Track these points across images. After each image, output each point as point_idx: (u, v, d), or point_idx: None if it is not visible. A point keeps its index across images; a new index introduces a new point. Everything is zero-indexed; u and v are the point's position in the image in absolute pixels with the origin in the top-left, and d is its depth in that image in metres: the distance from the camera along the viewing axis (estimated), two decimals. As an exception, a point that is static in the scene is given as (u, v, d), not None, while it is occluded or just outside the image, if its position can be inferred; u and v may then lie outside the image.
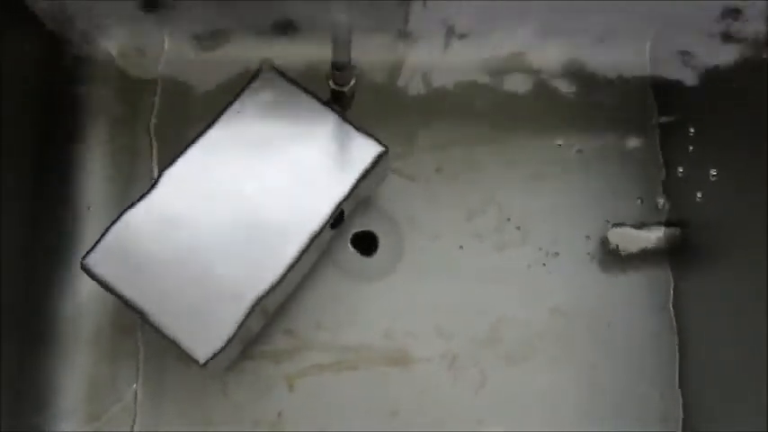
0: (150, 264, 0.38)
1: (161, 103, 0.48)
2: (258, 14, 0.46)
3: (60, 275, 0.45)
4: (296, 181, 0.40)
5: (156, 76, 0.48)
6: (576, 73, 0.49)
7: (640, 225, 0.47)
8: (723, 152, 0.43)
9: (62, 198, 0.46)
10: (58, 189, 0.46)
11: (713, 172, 0.43)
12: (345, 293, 0.45)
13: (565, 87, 0.49)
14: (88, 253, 0.38)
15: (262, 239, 0.38)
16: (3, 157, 0.40)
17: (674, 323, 0.46)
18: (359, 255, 0.46)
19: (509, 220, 0.47)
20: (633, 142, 0.49)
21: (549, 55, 0.49)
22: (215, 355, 0.37)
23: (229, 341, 0.37)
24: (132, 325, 0.44)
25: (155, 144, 0.47)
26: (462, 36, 0.48)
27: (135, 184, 0.46)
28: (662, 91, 0.49)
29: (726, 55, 0.43)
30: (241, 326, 0.37)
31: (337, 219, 0.41)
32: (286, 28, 0.47)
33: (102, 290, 0.38)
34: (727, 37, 0.43)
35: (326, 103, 0.41)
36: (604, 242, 0.46)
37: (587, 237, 0.47)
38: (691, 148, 0.46)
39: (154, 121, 0.47)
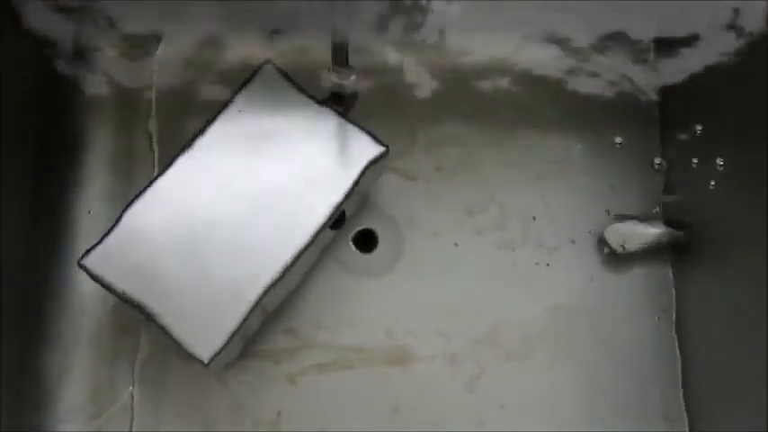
0: (150, 263, 0.38)
1: (159, 105, 0.48)
2: (257, 15, 0.46)
3: (60, 276, 0.44)
4: (295, 180, 0.40)
5: (155, 77, 0.48)
6: (577, 70, 0.49)
7: (641, 224, 0.47)
8: (726, 150, 0.43)
9: (62, 199, 0.46)
10: (57, 190, 0.46)
11: (715, 171, 0.43)
12: (346, 292, 0.45)
13: (565, 84, 0.49)
14: (86, 253, 0.38)
15: (261, 238, 0.39)
16: (3, 159, 0.40)
17: (675, 322, 0.46)
18: (359, 253, 0.46)
19: (509, 218, 0.47)
20: (634, 141, 0.49)
21: (549, 53, 0.49)
22: (217, 354, 0.37)
23: (230, 340, 0.37)
24: (132, 325, 0.44)
25: (154, 145, 0.47)
26: (463, 35, 0.48)
27: (134, 185, 0.46)
28: (664, 89, 0.49)
29: (728, 50, 0.43)
30: (241, 324, 0.38)
31: (338, 220, 0.41)
32: (285, 28, 0.47)
33: (102, 289, 0.38)
34: (731, 33, 0.43)
35: (325, 103, 0.41)
36: (605, 241, 0.46)
37: (587, 235, 0.47)
38: (693, 146, 0.46)
39: (152, 121, 0.47)
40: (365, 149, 0.40)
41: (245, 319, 0.38)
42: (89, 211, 0.46)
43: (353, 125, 0.41)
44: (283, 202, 0.39)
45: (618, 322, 0.45)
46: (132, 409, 0.43)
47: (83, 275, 0.38)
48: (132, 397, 0.43)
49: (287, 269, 0.38)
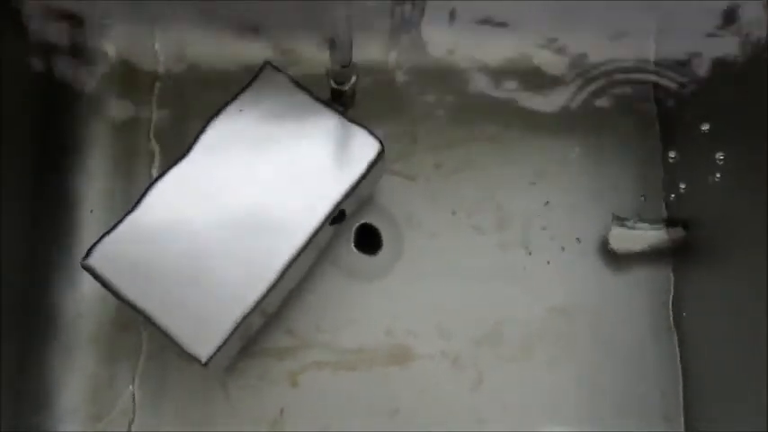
0: (150, 264, 0.38)
1: (161, 104, 0.48)
2: (259, 15, 0.46)
3: (61, 275, 0.44)
4: (295, 180, 0.40)
5: (155, 77, 0.48)
6: (577, 70, 0.49)
7: (641, 224, 0.46)
8: (726, 150, 0.43)
9: (62, 199, 0.46)
10: (58, 190, 0.46)
11: (716, 171, 0.43)
12: (345, 293, 0.45)
13: (565, 84, 0.49)
14: (89, 252, 0.38)
15: (261, 238, 0.39)
16: (3, 158, 0.40)
17: (675, 322, 0.46)
18: (360, 254, 0.46)
19: (509, 218, 0.47)
20: (634, 140, 0.49)
21: (550, 53, 0.49)
22: (215, 354, 0.37)
23: (229, 340, 0.37)
24: (132, 324, 0.44)
25: (155, 144, 0.47)
26: (463, 35, 0.48)
27: (135, 185, 0.46)
28: (664, 88, 0.49)
29: (729, 50, 0.43)
30: (241, 325, 0.38)
31: (338, 217, 0.41)
32: (286, 28, 0.47)
33: (102, 289, 0.38)
34: (730, 33, 0.43)
35: (326, 103, 0.41)
36: (605, 241, 0.46)
37: (588, 235, 0.47)
38: (694, 146, 0.46)
39: (154, 121, 0.47)
40: (364, 148, 0.40)
41: (243, 320, 0.37)
42: (91, 211, 0.46)
43: (353, 124, 0.41)
44: (283, 203, 0.39)
45: (618, 322, 0.45)
46: (133, 410, 0.43)
47: (83, 275, 0.38)
48: (133, 397, 0.43)
49: (286, 269, 0.38)
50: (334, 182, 0.40)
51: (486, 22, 0.48)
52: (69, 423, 0.43)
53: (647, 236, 0.46)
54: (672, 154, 0.48)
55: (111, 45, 0.48)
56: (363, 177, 0.40)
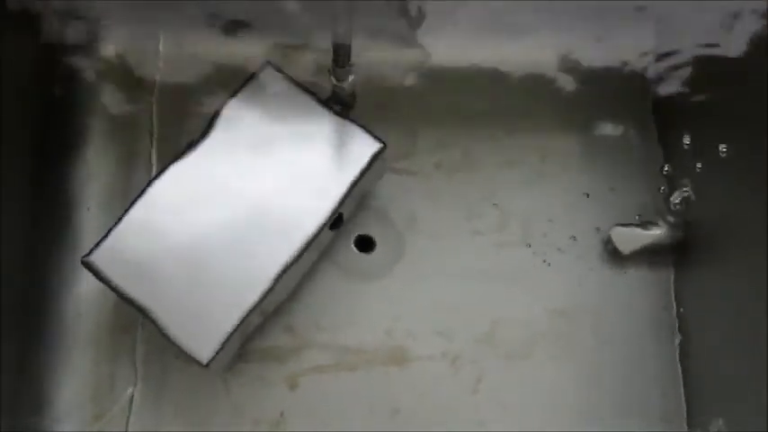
0: (151, 263, 0.38)
1: (160, 104, 0.48)
2: (260, 15, 0.46)
3: (60, 275, 0.44)
4: (295, 180, 0.40)
5: (155, 77, 0.48)
6: (576, 70, 0.49)
7: (642, 223, 0.46)
8: (726, 150, 0.42)
9: (62, 198, 0.46)
10: (57, 189, 0.46)
11: (716, 170, 0.43)
12: (345, 293, 0.45)
13: (565, 85, 0.49)
14: (91, 251, 0.38)
15: (262, 238, 0.39)
16: (3, 157, 0.40)
17: (677, 322, 0.46)
18: (359, 253, 0.46)
19: (509, 218, 0.47)
20: (635, 140, 0.49)
21: (549, 53, 0.49)
22: (216, 355, 0.37)
23: (229, 340, 0.37)
24: (132, 324, 0.44)
25: (154, 144, 0.47)
26: (463, 35, 0.48)
27: (135, 185, 0.46)
28: (664, 89, 0.49)
29: (730, 50, 0.43)
30: (240, 326, 0.38)
31: (337, 221, 0.41)
32: (286, 29, 0.47)
33: (101, 289, 0.38)
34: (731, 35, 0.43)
35: (326, 102, 0.41)
36: (606, 240, 0.46)
37: (588, 235, 0.47)
38: (694, 146, 0.46)
39: (153, 120, 0.47)
40: (364, 148, 0.40)
41: (243, 321, 0.37)
42: (88, 208, 0.46)
43: (353, 124, 0.41)
44: (283, 203, 0.39)
45: (619, 323, 0.45)
46: (131, 410, 0.43)
47: (82, 274, 0.38)
48: (132, 397, 0.43)
49: (286, 270, 0.38)
50: (335, 182, 0.40)
51: (487, 23, 0.48)
52: (68, 423, 0.43)
53: (647, 235, 0.46)
54: (673, 151, 0.48)
55: (111, 45, 0.48)
56: (363, 177, 0.40)
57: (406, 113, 0.48)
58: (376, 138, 0.41)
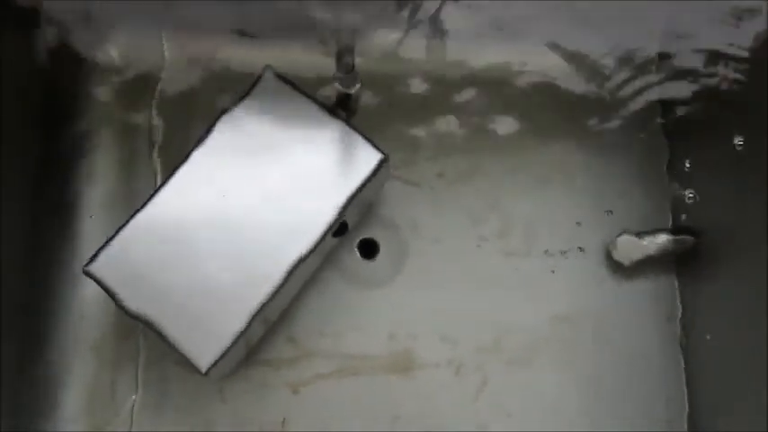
0: (152, 270, 0.38)
1: (163, 108, 0.48)
2: (262, 18, 0.46)
3: (61, 281, 0.44)
4: (297, 187, 0.39)
5: (157, 82, 0.48)
6: (582, 75, 0.49)
7: (647, 231, 0.46)
8: (731, 157, 0.42)
9: (63, 203, 0.46)
10: (59, 194, 0.46)
11: (722, 177, 0.43)
12: (348, 300, 0.45)
13: (570, 90, 0.49)
14: (92, 260, 0.38)
15: (263, 246, 0.38)
16: (4, 162, 0.40)
17: (680, 331, 0.45)
18: (362, 260, 0.46)
19: (513, 225, 0.47)
20: (640, 147, 0.48)
21: (555, 57, 0.49)
22: (216, 363, 0.37)
23: (230, 349, 0.37)
24: (133, 331, 0.44)
25: (156, 149, 0.47)
26: (465, 41, 0.48)
27: (137, 190, 0.46)
28: (670, 95, 0.49)
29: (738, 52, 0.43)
30: (242, 333, 0.37)
31: (341, 229, 0.41)
32: (288, 33, 0.47)
33: (102, 295, 0.38)
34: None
35: (330, 109, 0.41)
36: (610, 248, 0.46)
37: (592, 242, 0.47)
38: (700, 152, 0.46)
39: (155, 126, 0.47)
40: (367, 158, 0.40)
41: (244, 329, 0.37)
42: (90, 216, 0.46)
43: (356, 132, 0.40)
44: (285, 210, 0.39)
45: (623, 330, 0.45)
46: (132, 416, 0.43)
47: (84, 281, 0.38)
48: (133, 404, 0.43)
49: (288, 278, 0.38)
50: (337, 189, 0.40)
51: (489, 28, 0.47)
52: (69, 430, 0.43)
53: (652, 243, 0.46)
54: (679, 158, 0.48)
55: (115, 49, 0.48)
56: (366, 185, 0.40)
57: (410, 120, 0.48)
58: (378, 148, 0.40)
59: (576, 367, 0.45)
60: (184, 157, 0.40)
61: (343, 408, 0.43)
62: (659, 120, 0.49)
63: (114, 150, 0.47)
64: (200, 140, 0.40)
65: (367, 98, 0.44)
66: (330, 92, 0.42)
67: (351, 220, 0.43)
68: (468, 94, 0.49)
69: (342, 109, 0.42)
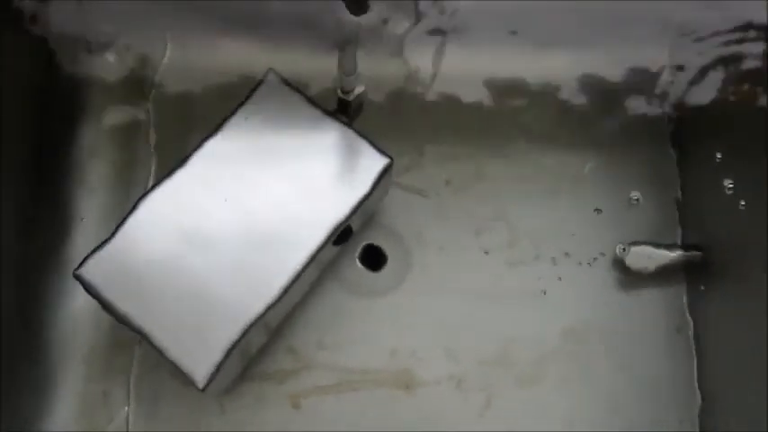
0: (146, 277, 0.37)
1: (161, 112, 0.47)
2: (261, 22, 0.46)
3: (54, 288, 0.44)
4: (299, 194, 0.39)
5: (156, 84, 0.47)
6: (590, 86, 0.49)
7: (657, 243, 0.46)
8: (742, 168, 0.42)
9: (59, 208, 0.45)
10: (53, 197, 0.45)
11: (732, 189, 0.42)
12: (349, 311, 0.44)
13: (577, 100, 0.49)
14: (82, 263, 0.37)
15: (262, 254, 0.37)
16: (2, 162, 0.40)
17: (693, 344, 0.45)
18: (365, 270, 0.45)
19: (520, 235, 0.46)
20: (649, 157, 0.48)
21: (562, 68, 0.49)
22: (212, 377, 0.36)
23: (227, 361, 0.36)
24: (127, 341, 0.43)
25: (153, 153, 0.46)
26: (474, 47, 0.48)
27: (134, 195, 0.43)
28: (679, 104, 0.48)
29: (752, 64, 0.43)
30: (239, 344, 0.36)
31: (343, 235, 0.40)
32: (290, 36, 0.46)
33: (95, 304, 0.37)
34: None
35: (332, 114, 0.40)
36: (620, 260, 0.45)
37: (602, 254, 0.46)
38: (710, 165, 0.45)
39: (153, 130, 0.47)
40: (371, 164, 0.39)
41: (242, 339, 0.36)
42: (82, 219, 0.45)
43: (360, 137, 0.40)
44: (286, 217, 0.38)
45: (633, 344, 0.45)
46: (126, 428, 0.42)
47: (77, 288, 0.37)
48: (127, 417, 0.42)
49: (287, 287, 0.37)
50: (340, 196, 0.39)
51: (495, 35, 0.47)
52: (60, 442, 0.42)
53: (662, 255, 0.45)
54: (688, 170, 0.47)
55: (113, 53, 0.48)
56: (370, 193, 0.39)
57: (415, 126, 0.48)
58: (383, 153, 0.40)
59: (585, 383, 0.44)
60: (182, 160, 0.39)
61: (342, 423, 0.43)
62: (669, 131, 0.49)
63: (112, 154, 0.46)
64: (199, 143, 0.39)
65: (369, 103, 0.43)
66: (333, 95, 0.41)
67: (354, 227, 0.42)
68: (476, 102, 0.48)
69: (344, 112, 0.41)
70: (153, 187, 0.38)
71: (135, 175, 0.46)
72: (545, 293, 0.45)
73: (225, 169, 0.39)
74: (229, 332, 0.36)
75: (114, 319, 0.37)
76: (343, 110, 0.41)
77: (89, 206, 0.45)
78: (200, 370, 0.36)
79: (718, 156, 0.44)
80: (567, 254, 0.46)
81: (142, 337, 0.36)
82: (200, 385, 0.36)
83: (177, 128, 0.46)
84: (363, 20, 0.35)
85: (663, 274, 0.45)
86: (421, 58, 0.48)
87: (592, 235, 0.46)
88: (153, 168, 0.46)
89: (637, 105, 0.49)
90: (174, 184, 0.38)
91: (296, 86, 0.40)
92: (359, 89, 0.40)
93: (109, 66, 0.47)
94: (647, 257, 0.45)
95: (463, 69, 0.48)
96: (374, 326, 0.44)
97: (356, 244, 0.45)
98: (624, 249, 0.45)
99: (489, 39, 0.47)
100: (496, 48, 0.48)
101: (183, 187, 0.38)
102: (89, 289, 0.37)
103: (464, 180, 0.47)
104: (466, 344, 0.44)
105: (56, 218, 0.45)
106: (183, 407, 0.42)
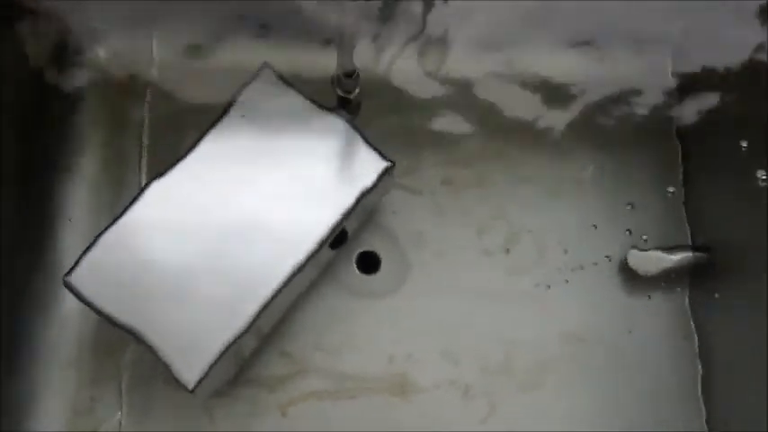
0: (137, 280, 0.36)
1: (153, 111, 0.47)
2: (257, 18, 0.45)
3: (41, 293, 0.43)
4: (294, 195, 0.38)
5: (147, 84, 0.47)
6: (591, 85, 0.48)
7: (660, 247, 0.45)
8: (747, 170, 0.41)
9: (45, 207, 0.44)
10: (41, 197, 0.44)
11: (738, 192, 0.42)
12: (346, 315, 0.44)
13: (580, 101, 0.48)
14: (71, 269, 0.36)
15: (257, 255, 0.37)
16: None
17: (699, 350, 0.44)
18: (361, 273, 0.45)
19: (521, 238, 0.46)
20: (653, 159, 0.48)
21: (565, 68, 0.48)
22: (202, 380, 0.35)
23: (218, 364, 0.36)
24: (116, 346, 0.42)
25: (145, 154, 0.46)
26: (474, 47, 0.47)
27: (123, 196, 0.44)
28: (684, 105, 0.48)
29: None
30: (232, 347, 0.36)
31: (340, 238, 0.40)
32: (286, 32, 0.46)
33: (83, 308, 0.36)
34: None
35: (332, 110, 0.40)
36: (623, 263, 0.45)
37: (605, 257, 0.46)
38: (714, 166, 0.45)
39: (145, 129, 0.46)
40: (370, 164, 0.39)
41: (235, 342, 0.36)
42: (69, 219, 0.44)
43: (359, 136, 0.39)
44: (281, 217, 0.38)
45: (637, 350, 0.44)
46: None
47: (64, 293, 0.37)
48: (119, 424, 0.41)
49: (281, 289, 0.37)
50: (338, 197, 0.38)
51: (498, 35, 0.47)
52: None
53: (665, 259, 0.45)
54: (692, 170, 0.47)
55: (103, 49, 0.47)
56: (368, 193, 0.39)
57: (414, 126, 0.47)
58: (383, 155, 0.39)
59: (588, 390, 0.43)
60: (175, 160, 0.38)
61: (337, 430, 0.42)
62: (674, 130, 0.48)
63: (101, 153, 0.46)
64: (192, 143, 0.39)
65: (368, 103, 0.43)
66: (330, 93, 0.41)
67: (350, 229, 0.41)
68: (476, 102, 0.48)
69: (343, 109, 0.40)
70: (145, 187, 0.38)
71: (125, 174, 0.45)
72: (547, 297, 0.45)
73: (218, 169, 0.38)
74: (222, 334, 0.35)
75: (104, 320, 0.36)
76: (342, 107, 0.41)
77: (77, 207, 0.45)
78: (191, 371, 0.35)
79: (744, 145, 0.43)
80: (569, 257, 0.45)
81: (133, 336, 0.35)
82: (190, 387, 0.35)
83: (169, 127, 0.46)
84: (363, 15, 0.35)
85: (667, 278, 0.45)
86: (424, 58, 0.48)
87: (594, 237, 0.46)
88: (144, 168, 0.45)
89: (640, 105, 0.48)
90: (166, 184, 0.38)
91: (291, 82, 0.40)
92: (356, 88, 0.40)
93: (100, 63, 0.47)
94: (651, 260, 0.44)
95: (465, 71, 0.48)
96: (372, 331, 0.44)
97: (353, 246, 0.45)
98: (627, 252, 0.45)
99: (490, 41, 0.47)
100: (498, 49, 0.48)
101: (176, 187, 0.38)
102: (79, 295, 0.36)
103: (464, 181, 0.46)
104: (466, 349, 0.44)
105: (43, 219, 0.44)
106: (174, 413, 0.42)
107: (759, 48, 0.41)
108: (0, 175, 0.41)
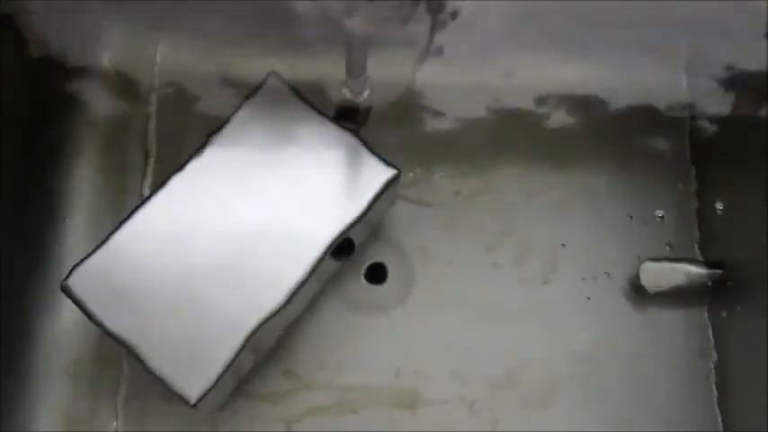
0: (136, 291, 0.36)
1: (157, 117, 0.47)
2: (262, 22, 0.45)
3: (39, 300, 0.43)
4: (299, 205, 0.38)
5: (151, 88, 0.47)
6: (605, 100, 0.48)
7: (674, 259, 0.45)
8: (762, 185, 0.41)
9: (45, 213, 0.44)
10: (41, 202, 0.44)
11: (751, 206, 0.42)
12: (350, 328, 0.43)
13: (591, 114, 0.48)
14: (69, 274, 0.36)
15: (259, 267, 0.36)
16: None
17: (714, 367, 0.44)
18: (366, 285, 0.44)
19: (531, 251, 0.45)
20: (666, 173, 0.47)
21: (576, 81, 0.48)
22: (205, 395, 0.35)
23: (220, 379, 0.35)
24: (115, 356, 0.42)
25: (149, 159, 0.46)
26: (484, 60, 0.47)
27: (126, 202, 0.44)
28: (698, 117, 0.48)
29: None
30: (234, 362, 0.35)
31: (346, 248, 0.39)
32: (294, 37, 0.45)
33: (82, 317, 0.36)
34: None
35: (335, 120, 0.39)
36: (635, 278, 0.44)
37: (616, 272, 0.45)
38: (729, 179, 0.45)
39: (148, 134, 0.46)
40: (375, 174, 0.38)
41: (236, 357, 0.35)
42: (65, 219, 0.44)
43: (364, 146, 0.39)
44: (285, 228, 0.37)
45: (649, 367, 0.44)
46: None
47: (63, 301, 0.36)
48: None
49: (285, 302, 0.36)
50: (343, 208, 0.38)
51: (509, 44, 0.46)
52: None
53: (680, 272, 0.44)
54: (707, 186, 0.46)
55: (107, 53, 0.47)
56: (374, 203, 0.38)
57: (423, 137, 0.47)
58: (388, 164, 0.39)
59: (598, 407, 0.43)
60: (178, 167, 0.38)
61: None
62: (688, 144, 0.48)
63: (104, 159, 0.46)
64: (195, 150, 0.38)
65: (376, 110, 0.42)
66: (338, 100, 0.40)
67: (357, 240, 0.41)
68: (486, 113, 0.48)
69: (349, 119, 0.40)
70: (148, 197, 0.37)
71: (127, 179, 0.45)
72: (557, 313, 0.44)
73: (222, 178, 0.38)
74: (223, 348, 0.35)
75: (102, 332, 0.35)
76: (350, 116, 0.40)
77: (79, 211, 0.44)
78: (192, 388, 0.34)
79: (742, 159, 0.43)
80: (579, 272, 0.45)
81: (131, 353, 0.35)
82: (192, 401, 0.34)
83: (173, 132, 0.46)
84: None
85: (682, 293, 0.44)
86: (433, 69, 0.47)
87: (607, 251, 0.45)
88: (146, 173, 0.45)
89: (654, 118, 0.48)
90: (168, 194, 0.37)
91: (298, 90, 0.39)
92: (365, 93, 0.39)
93: (103, 66, 0.47)
94: (665, 275, 0.44)
95: (475, 81, 0.48)
96: (377, 345, 0.43)
97: (359, 257, 0.44)
98: (642, 265, 0.44)
99: (501, 51, 0.47)
100: (509, 59, 0.47)
101: (178, 197, 0.37)
102: (76, 301, 0.36)
103: (473, 193, 0.46)
104: (474, 364, 0.43)
105: (42, 225, 0.44)
106: (173, 427, 0.41)
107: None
108: (0, 176, 0.41)
